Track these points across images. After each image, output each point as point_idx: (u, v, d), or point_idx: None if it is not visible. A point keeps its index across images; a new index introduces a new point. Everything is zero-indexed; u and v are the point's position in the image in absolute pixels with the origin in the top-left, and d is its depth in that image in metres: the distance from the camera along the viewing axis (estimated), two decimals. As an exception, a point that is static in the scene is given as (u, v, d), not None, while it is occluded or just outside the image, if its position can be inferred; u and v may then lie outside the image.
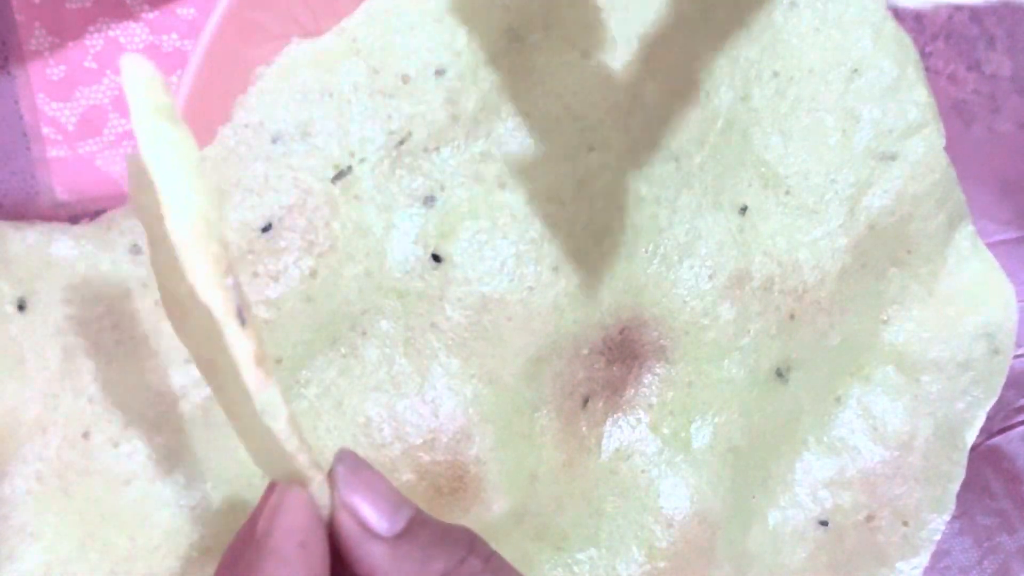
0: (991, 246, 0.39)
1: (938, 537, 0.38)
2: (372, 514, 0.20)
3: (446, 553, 0.20)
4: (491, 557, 0.20)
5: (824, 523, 0.36)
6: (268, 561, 0.19)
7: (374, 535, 0.20)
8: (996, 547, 0.43)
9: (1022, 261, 0.43)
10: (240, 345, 0.18)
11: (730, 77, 0.33)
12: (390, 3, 0.28)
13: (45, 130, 0.28)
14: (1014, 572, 0.43)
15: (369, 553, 0.19)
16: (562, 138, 0.30)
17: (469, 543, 0.20)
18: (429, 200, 0.29)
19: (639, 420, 0.33)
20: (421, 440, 0.30)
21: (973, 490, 0.41)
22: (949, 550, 0.42)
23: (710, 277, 0.33)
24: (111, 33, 0.29)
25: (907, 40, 0.35)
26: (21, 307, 0.25)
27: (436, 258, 0.30)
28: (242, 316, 0.18)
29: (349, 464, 0.21)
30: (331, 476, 0.20)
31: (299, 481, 0.20)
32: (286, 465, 0.20)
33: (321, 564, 0.19)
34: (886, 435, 0.37)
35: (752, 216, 0.34)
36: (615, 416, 0.33)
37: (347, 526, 0.20)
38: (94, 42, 0.29)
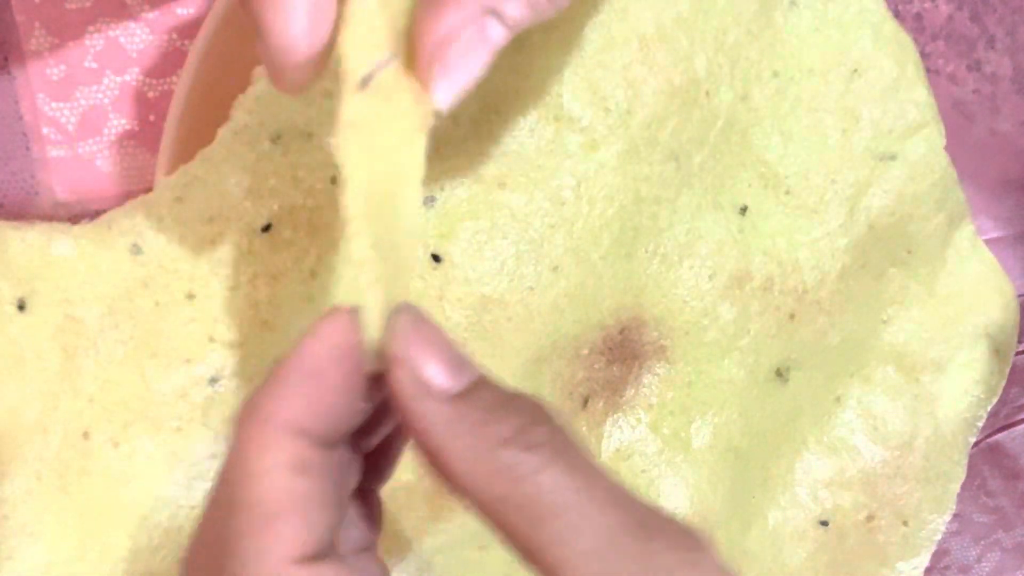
0: (989, 243, 0.39)
1: (938, 537, 0.38)
2: (431, 370, 0.18)
3: (507, 419, 0.18)
4: (557, 431, 0.18)
5: (824, 523, 0.36)
6: (262, 390, 0.18)
7: (431, 392, 0.18)
8: (993, 544, 0.43)
9: (1020, 258, 0.43)
10: (349, 103, 0.18)
11: (730, 77, 0.33)
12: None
13: (45, 130, 0.28)
14: (1011, 569, 0.43)
15: (424, 412, 0.18)
16: (562, 138, 0.30)
17: (532, 412, 0.18)
18: (429, 200, 0.29)
19: (639, 420, 0.33)
20: (421, 440, 0.30)
21: (970, 488, 0.41)
22: (948, 549, 0.42)
23: (710, 277, 0.33)
24: (111, 33, 0.29)
25: (907, 40, 0.35)
26: (21, 307, 0.25)
27: (436, 258, 0.30)
28: (366, 83, 0.17)
29: (410, 316, 0.19)
30: (389, 325, 0.18)
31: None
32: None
33: (331, 403, 0.18)
34: (886, 435, 0.37)
35: (752, 216, 0.34)
36: (615, 416, 0.33)
37: (402, 380, 0.18)
38: (94, 42, 0.29)
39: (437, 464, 0.18)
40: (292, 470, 0.17)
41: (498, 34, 0.20)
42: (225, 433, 0.28)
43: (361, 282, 0.18)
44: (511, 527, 0.17)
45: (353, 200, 0.18)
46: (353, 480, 0.21)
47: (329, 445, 0.18)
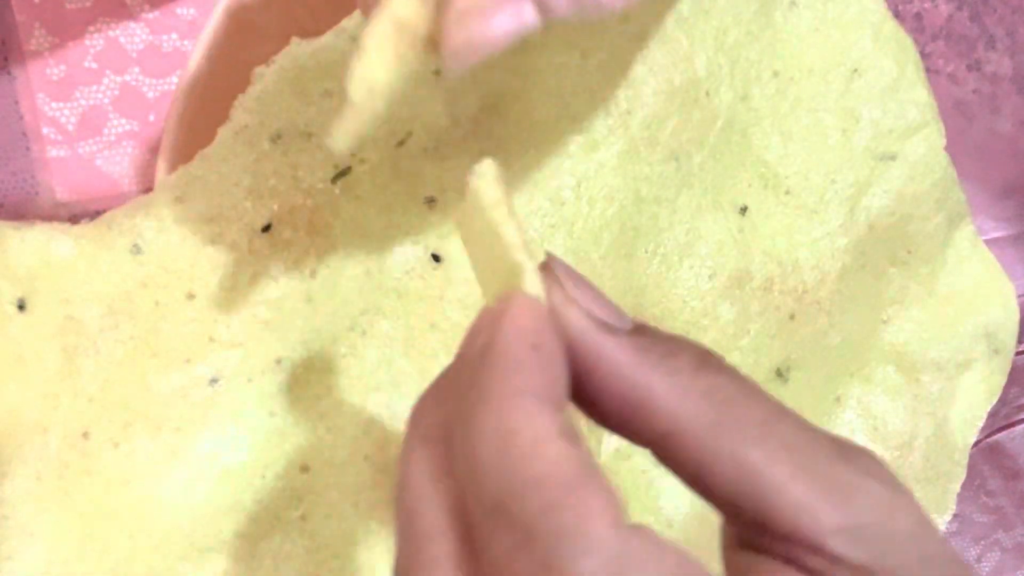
0: (989, 242, 0.39)
1: (938, 537, 0.38)
2: (603, 309, 0.18)
3: (687, 348, 0.18)
4: (724, 360, 0.18)
5: (824, 523, 0.36)
6: (496, 368, 0.16)
7: (611, 328, 0.17)
8: (993, 544, 0.43)
9: (1020, 258, 0.43)
10: None
11: (730, 77, 0.33)
12: (390, 3, 0.28)
13: (45, 130, 0.28)
14: (1011, 569, 0.43)
15: (609, 347, 0.17)
16: (562, 138, 0.30)
17: (697, 343, 0.18)
18: (429, 200, 0.29)
19: (639, 420, 0.33)
20: (421, 440, 0.30)
21: (970, 488, 0.41)
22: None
23: (710, 277, 0.33)
24: (111, 33, 0.29)
25: (907, 40, 0.35)
26: (21, 307, 0.25)
27: (436, 258, 0.30)
28: None
29: (564, 265, 0.18)
30: (549, 274, 0.18)
31: (516, 286, 0.18)
32: (503, 260, 0.18)
33: (559, 369, 0.17)
34: (886, 435, 0.37)
35: (752, 216, 0.34)
36: (615, 416, 0.33)
37: (578, 321, 0.18)
38: (94, 42, 0.29)
39: (631, 402, 0.17)
40: (567, 439, 0.16)
41: (532, 20, 0.18)
42: (235, 431, 0.28)
43: (522, 261, 0.18)
44: (718, 456, 0.17)
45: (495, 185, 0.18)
46: None
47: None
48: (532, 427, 0.16)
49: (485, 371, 0.16)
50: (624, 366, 0.17)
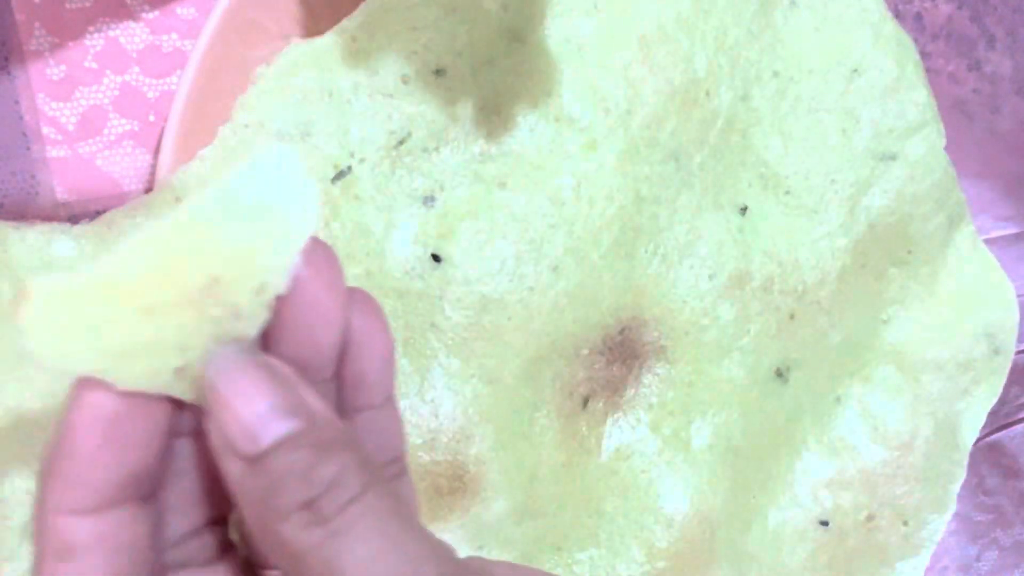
0: (989, 242, 0.39)
1: (939, 537, 0.38)
2: (234, 426, 0.16)
3: (302, 485, 0.16)
4: (368, 487, 0.16)
5: (824, 523, 0.36)
6: (62, 462, 0.16)
7: (232, 451, 0.16)
8: (991, 543, 0.43)
9: (1020, 258, 0.43)
10: None
11: (730, 77, 0.33)
12: (390, 3, 0.28)
13: (45, 130, 0.28)
14: (1009, 567, 0.43)
15: (225, 471, 0.16)
16: (562, 138, 0.30)
17: (342, 468, 0.16)
18: (429, 200, 0.29)
19: (639, 420, 0.33)
20: (421, 440, 0.30)
21: (968, 487, 0.41)
22: (947, 548, 0.42)
23: (710, 277, 0.33)
24: (111, 33, 0.29)
25: (907, 40, 0.35)
26: (21, 307, 0.25)
27: (436, 258, 0.30)
28: None
29: (230, 359, 0.16)
30: (203, 376, 0.16)
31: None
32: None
33: (134, 459, 0.16)
34: (886, 435, 0.37)
35: (752, 216, 0.34)
36: (615, 416, 0.33)
37: (212, 437, 0.16)
38: (94, 42, 0.29)
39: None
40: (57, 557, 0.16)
41: None
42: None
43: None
44: None
45: None
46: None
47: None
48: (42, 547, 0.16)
49: (53, 464, 0.16)
50: (233, 492, 0.16)
